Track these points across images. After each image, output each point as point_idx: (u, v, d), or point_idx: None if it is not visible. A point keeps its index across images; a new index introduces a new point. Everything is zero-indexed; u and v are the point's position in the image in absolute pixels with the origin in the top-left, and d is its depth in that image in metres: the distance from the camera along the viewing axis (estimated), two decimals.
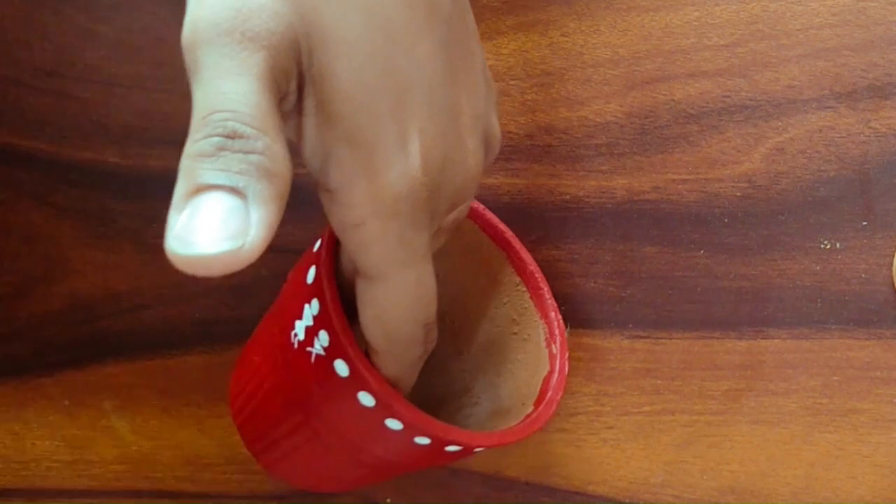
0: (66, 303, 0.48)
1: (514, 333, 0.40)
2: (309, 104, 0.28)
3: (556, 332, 0.39)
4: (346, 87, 0.28)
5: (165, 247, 0.24)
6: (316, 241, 0.34)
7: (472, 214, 0.40)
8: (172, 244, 0.24)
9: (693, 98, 0.41)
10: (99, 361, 0.48)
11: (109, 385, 0.48)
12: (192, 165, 0.25)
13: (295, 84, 0.28)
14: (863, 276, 0.39)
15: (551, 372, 0.37)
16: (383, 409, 0.31)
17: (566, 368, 0.38)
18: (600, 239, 0.42)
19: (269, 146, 0.26)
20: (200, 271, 0.24)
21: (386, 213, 0.29)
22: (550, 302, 0.39)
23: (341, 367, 0.31)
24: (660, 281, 0.42)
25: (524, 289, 0.40)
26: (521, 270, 0.40)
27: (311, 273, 0.33)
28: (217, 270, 0.24)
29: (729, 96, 0.41)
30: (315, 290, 0.32)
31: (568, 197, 0.43)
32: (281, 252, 0.46)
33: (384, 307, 0.30)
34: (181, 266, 0.24)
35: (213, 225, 0.24)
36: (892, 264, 0.39)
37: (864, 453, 0.40)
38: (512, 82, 0.43)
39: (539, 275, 0.40)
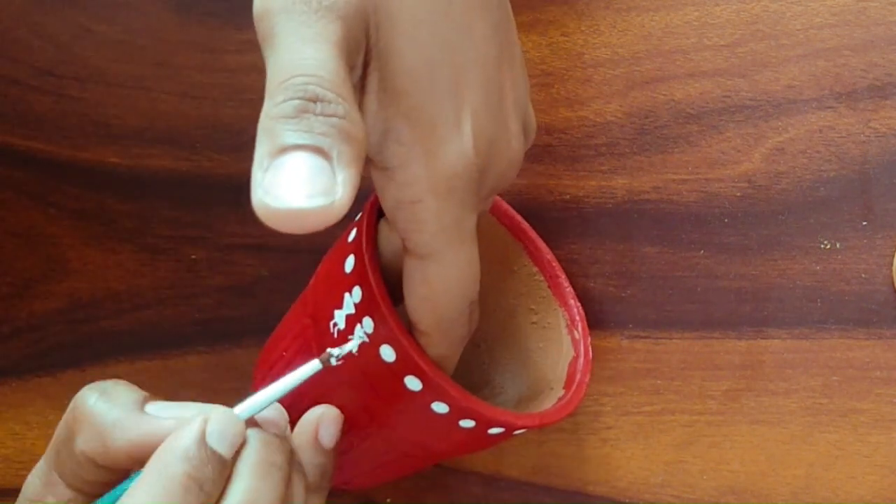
0: (66, 303, 0.48)
1: (534, 322, 0.40)
2: (373, 80, 0.29)
3: (577, 318, 0.40)
4: (409, 64, 0.29)
5: (254, 202, 0.25)
6: (349, 232, 0.35)
7: None
8: (263, 198, 0.25)
9: (693, 98, 0.41)
10: (99, 361, 0.48)
11: None
12: (275, 126, 0.25)
13: (362, 59, 0.29)
14: (863, 276, 0.39)
15: (576, 356, 0.38)
16: (431, 392, 0.32)
17: (590, 353, 0.39)
18: (600, 239, 0.42)
19: (349, 111, 0.26)
20: (293, 225, 0.25)
21: (442, 191, 0.29)
22: (569, 289, 0.40)
23: (387, 352, 0.32)
24: (660, 281, 0.42)
25: (541, 278, 0.40)
26: (538, 260, 0.40)
27: (350, 262, 0.33)
28: (309, 225, 0.25)
29: (729, 96, 0.41)
30: (356, 278, 0.32)
31: (568, 197, 0.43)
32: (281, 252, 0.46)
33: (436, 285, 0.31)
34: (271, 221, 0.25)
35: (302, 181, 0.25)
36: (892, 264, 0.39)
37: (864, 453, 0.40)
38: None
39: (556, 263, 0.41)
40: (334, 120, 0.26)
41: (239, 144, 0.46)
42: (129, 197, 0.47)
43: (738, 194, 0.41)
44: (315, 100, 0.25)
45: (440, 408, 0.32)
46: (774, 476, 0.41)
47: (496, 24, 0.31)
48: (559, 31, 0.42)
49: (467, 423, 0.33)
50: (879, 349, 0.39)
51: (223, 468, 0.30)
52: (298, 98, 0.25)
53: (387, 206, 0.30)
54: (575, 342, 0.39)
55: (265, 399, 0.32)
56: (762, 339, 0.41)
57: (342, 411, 0.34)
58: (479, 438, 0.34)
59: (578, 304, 0.40)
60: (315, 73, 0.26)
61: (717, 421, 0.41)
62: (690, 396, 0.41)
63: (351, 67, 0.28)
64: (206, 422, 0.30)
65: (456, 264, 0.31)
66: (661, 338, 0.42)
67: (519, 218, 0.41)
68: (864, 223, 0.39)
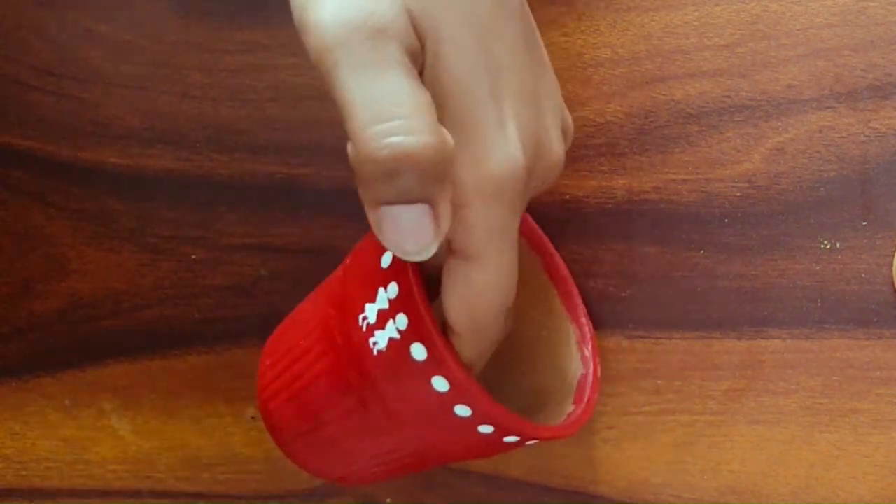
0: (66, 303, 0.48)
1: (544, 336, 0.40)
2: (425, 85, 0.29)
3: (588, 335, 0.40)
4: (453, 69, 0.29)
5: (381, 241, 0.28)
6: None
7: None
8: (390, 248, 0.28)
9: (693, 98, 0.41)
10: (99, 361, 0.48)
11: (109, 385, 0.48)
12: (372, 187, 0.27)
13: (419, 64, 0.29)
14: (863, 276, 0.39)
15: (586, 373, 0.39)
16: (457, 394, 0.32)
17: (599, 370, 0.39)
18: (600, 239, 0.42)
19: (437, 146, 0.27)
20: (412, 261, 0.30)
21: (490, 195, 0.30)
22: (581, 307, 0.40)
23: (418, 351, 0.31)
24: (660, 281, 0.42)
25: (555, 293, 0.40)
26: (554, 275, 0.40)
27: (388, 257, 0.33)
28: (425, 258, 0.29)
29: (729, 96, 0.41)
30: (394, 274, 0.32)
31: (568, 197, 0.43)
32: (281, 252, 0.46)
33: (477, 288, 0.31)
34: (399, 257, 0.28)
35: (414, 234, 0.28)
36: (892, 264, 0.39)
37: (864, 453, 0.40)
38: None
39: (571, 280, 0.41)
40: (427, 172, 0.27)
41: (239, 144, 0.46)
42: (129, 197, 0.47)
43: (738, 194, 0.41)
44: (403, 156, 0.26)
45: (463, 411, 0.32)
46: (774, 476, 0.41)
47: (524, 31, 0.32)
48: (559, 31, 0.42)
49: (486, 429, 0.33)
50: (879, 349, 0.39)
51: None
52: (387, 157, 0.26)
53: None
54: (584, 359, 0.39)
55: None
56: (762, 339, 0.41)
57: (358, 407, 0.34)
58: (492, 445, 0.34)
59: (590, 322, 0.40)
60: (394, 117, 0.26)
61: (717, 421, 0.41)
62: (690, 396, 0.41)
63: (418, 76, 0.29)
64: None
65: (500, 268, 0.31)
66: (661, 338, 0.42)
67: (539, 231, 0.41)
68: (864, 223, 0.39)
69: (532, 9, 0.42)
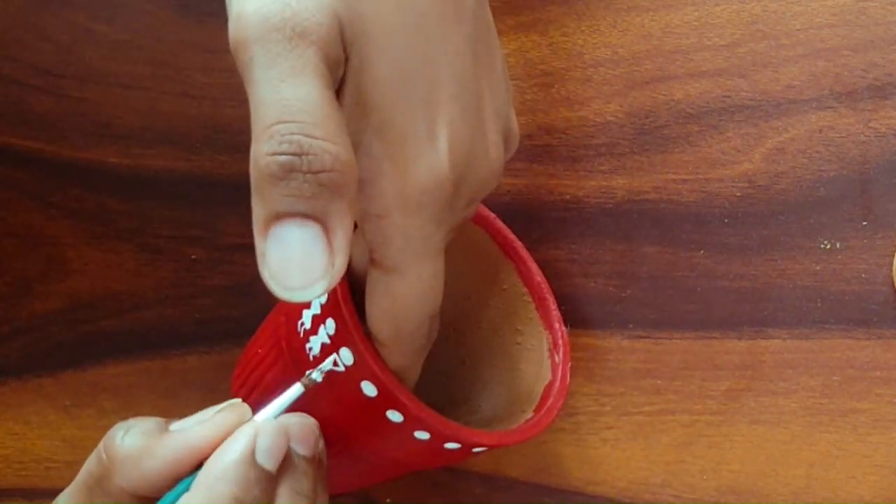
0: (66, 303, 0.48)
1: (518, 343, 0.40)
2: (346, 94, 0.29)
3: (560, 342, 0.39)
4: (383, 78, 0.28)
5: (262, 276, 0.27)
6: None
7: (482, 222, 0.40)
8: (269, 281, 0.27)
9: (693, 98, 0.41)
10: (99, 361, 0.48)
11: (109, 385, 0.48)
12: (266, 188, 0.26)
13: (341, 72, 0.28)
14: (863, 276, 0.39)
15: (553, 381, 0.38)
16: (385, 399, 0.32)
17: (567, 378, 0.38)
18: (600, 239, 0.42)
19: (337, 156, 0.26)
20: (299, 302, 0.30)
21: (411, 207, 0.29)
22: (555, 313, 0.40)
23: (346, 355, 0.32)
24: (660, 281, 0.42)
25: (529, 299, 0.40)
26: (528, 281, 0.40)
27: None
28: (312, 300, 0.28)
29: (729, 96, 0.41)
30: None
31: (568, 197, 0.43)
32: None
33: (397, 298, 0.31)
34: (281, 298, 0.27)
35: (300, 266, 0.26)
36: (892, 264, 0.39)
37: (864, 453, 0.40)
38: (512, 82, 0.43)
39: (545, 285, 0.40)
40: (323, 176, 0.26)
41: (239, 144, 0.46)
42: (129, 197, 0.47)
43: (738, 194, 0.41)
44: (300, 153, 0.26)
45: (395, 416, 0.32)
46: (774, 476, 0.41)
47: (470, 34, 0.31)
48: (559, 31, 0.42)
49: (423, 435, 0.32)
50: (879, 349, 0.39)
51: (270, 485, 0.30)
52: (284, 153, 0.26)
53: (356, 216, 0.30)
54: (554, 366, 0.38)
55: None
56: (762, 339, 0.41)
57: (305, 412, 0.34)
58: (436, 452, 0.34)
59: (563, 328, 0.39)
60: (297, 119, 0.26)
61: (717, 421, 0.41)
62: (690, 396, 0.41)
63: (333, 87, 0.28)
64: (254, 437, 0.30)
65: (420, 279, 0.30)
66: (661, 338, 0.42)
67: (512, 237, 0.40)
68: (864, 223, 0.39)
69: (532, 9, 0.43)
